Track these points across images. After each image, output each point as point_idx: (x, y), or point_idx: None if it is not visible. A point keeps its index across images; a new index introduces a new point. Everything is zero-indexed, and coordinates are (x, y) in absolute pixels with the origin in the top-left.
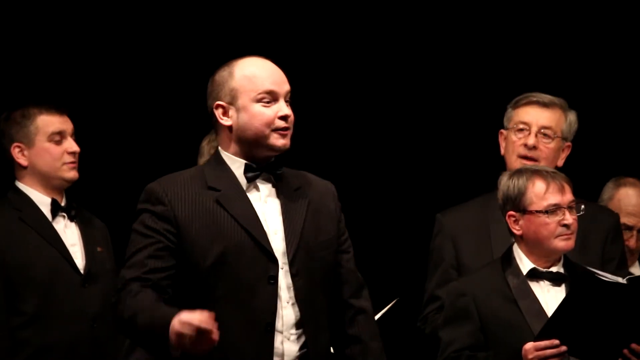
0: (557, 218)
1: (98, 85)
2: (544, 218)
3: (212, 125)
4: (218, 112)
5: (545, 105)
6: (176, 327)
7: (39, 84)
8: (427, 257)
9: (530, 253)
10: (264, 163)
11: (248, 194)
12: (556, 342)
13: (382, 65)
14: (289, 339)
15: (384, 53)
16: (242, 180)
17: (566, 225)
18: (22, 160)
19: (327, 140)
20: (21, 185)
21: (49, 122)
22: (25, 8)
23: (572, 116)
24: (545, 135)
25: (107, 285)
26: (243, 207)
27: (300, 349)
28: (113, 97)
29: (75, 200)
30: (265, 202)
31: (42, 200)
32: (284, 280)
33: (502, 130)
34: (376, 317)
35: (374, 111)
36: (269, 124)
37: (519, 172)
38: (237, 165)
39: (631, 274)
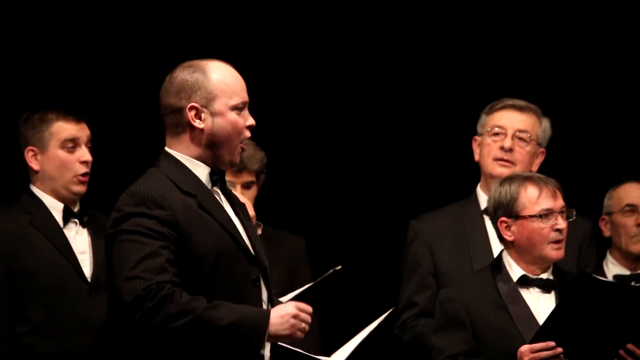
0: (550, 223)
1: (118, 90)
2: (538, 223)
3: (165, 126)
4: (191, 114)
5: (520, 109)
6: (290, 320)
7: (68, 86)
8: (400, 264)
9: (520, 260)
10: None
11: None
12: (552, 344)
13: (357, 71)
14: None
15: (358, 59)
16: (207, 183)
17: (559, 230)
18: (34, 165)
19: (302, 145)
20: (35, 189)
21: (63, 129)
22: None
23: (546, 122)
24: (520, 139)
25: None
26: (220, 211)
27: (271, 348)
28: (132, 102)
29: (91, 202)
30: (225, 205)
31: (55, 206)
32: (261, 280)
33: (475, 137)
34: (372, 328)
35: (348, 116)
36: (240, 133)
37: (510, 178)
38: (200, 170)
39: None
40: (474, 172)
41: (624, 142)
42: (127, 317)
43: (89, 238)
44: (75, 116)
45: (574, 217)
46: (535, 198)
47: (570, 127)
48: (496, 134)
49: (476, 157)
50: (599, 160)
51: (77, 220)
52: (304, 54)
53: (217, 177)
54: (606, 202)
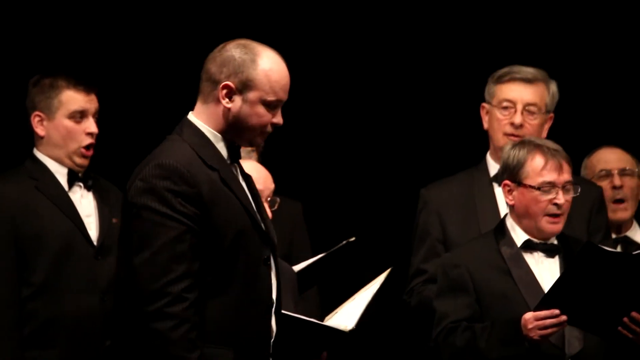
0: (550, 196)
1: (130, 60)
2: (536, 194)
3: (199, 90)
4: (222, 92)
5: (529, 81)
6: None
7: (80, 51)
8: (411, 232)
9: (520, 225)
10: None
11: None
12: (556, 311)
13: (362, 37)
14: (273, 318)
15: (363, 25)
16: (227, 159)
17: (557, 205)
18: (40, 130)
19: (310, 115)
20: (39, 154)
21: (73, 99)
22: None
23: (553, 87)
24: (530, 112)
25: None
26: (240, 188)
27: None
28: (137, 70)
29: (94, 168)
30: (241, 181)
31: (59, 170)
32: (272, 259)
33: (484, 104)
34: (374, 288)
35: (355, 83)
36: (263, 128)
37: (522, 143)
38: (221, 145)
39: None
40: (482, 140)
41: (624, 104)
42: (138, 300)
43: (95, 201)
44: (86, 87)
45: (578, 194)
46: (539, 169)
47: (573, 90)
48: (505, 107)
49: (485, 125)
50: (602, 124)
51: (81, 184)
52: (308, 22)
53: (235, 154)
54: (582, 171)
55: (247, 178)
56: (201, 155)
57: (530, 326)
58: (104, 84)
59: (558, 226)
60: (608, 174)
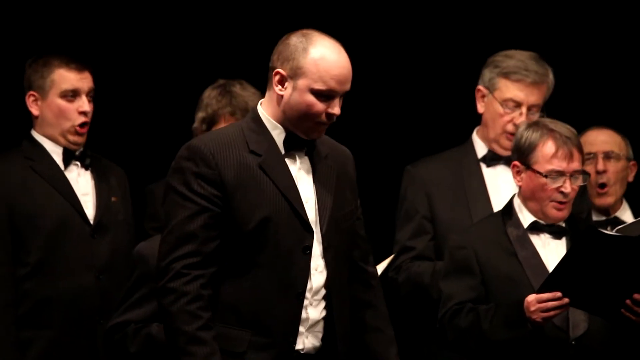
0: (557, 184)
1: (128, 39)
2: (544, 181)
3: (268, 78)
4: (275, 78)
5: (535, 83)
6: None
7: (78, 33)
8: (396, 209)
9: (527, 206)
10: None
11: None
12: (558, 294)
13: (350, 15)
14: (312, 305)
15: (347, 7)
16: (281, 147)
17: (563, 194)
18: (34, 110)
19: None
20: (35, 134)
21: (65, 78)
22: None
23: (552, 78)
24: (532, 112)
25: (118, 236)
26: (284, 175)
27: (323, 314)
28: (135, 49)
29: (96, 147)
30: (299, 171)
31: (55, 150)
32: (317, 249)
33: (481, 88)
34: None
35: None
36: (315, 117)
37: (537, 125)
38: (277, 132)
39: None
40: (469, 118)
41: (598, 85)
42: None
43: (92, 180)
44: (78, 65)
45: (585, 183)
46: (550, 156)
47: (569, 69)
48: (509, 106)
49: (480, 110)
50: (597, 104)
51: (78, 163)
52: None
53: (293, 143)
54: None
55: (328, 168)
56: (248, 140)
57: (532, 308)
58: (117, 64)
59: (563, 213)
60: (593, 157)
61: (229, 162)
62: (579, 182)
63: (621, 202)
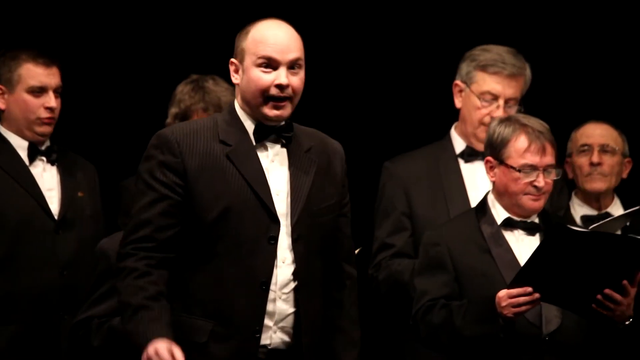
0: (530, 178)
1: (98, 34)
2: (517, 175)
3: None
4: (231, 69)
5: (513, 75)
6: (149, 351)
7: (49, 27)
8: (375, 206)
9: (501, 202)
10: (274, 124)
11: (258, 153)
12: (529, 289)
13: (327, 13)
14: (280, 298)
15: (333, 4)
16: (252, 138)
17: (536, 187)
18: (1, 103)
19: None
20: (2, 129)
21: (32, 74)
22: None
23: (529, 73)
24: (509, 105)
25: (84, 231)
26: (252, 165)
27: (292, 309)
28: (109, 44)
29: (68, 142)
30: (272, 162)
31: (21, 144)
32: (285, 240)
33: (458, 83)
34: None
35: (322, 56)
36: (264, 91)
37: (509, 120)
38: (249, 123)
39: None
40: (447, 113)
41: (599, 81)
42: None
43: (58, 175)
44: (46, 60)
45: (559, 177)
46: (522, 151)
47: (545, 66)
48: (486, 99)
49: (457, 104)
50: (572, 101)
51: (44, 158)
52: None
53: (263, 133)
54: (568, 144)
55: (307, 161)
56: (220, 130)
57: (503, 304)
58: (91, 59)
59: (539, 203)
60: (589, 149)
61: (195, 150)
62: (552, 176)
63: (612, 197)
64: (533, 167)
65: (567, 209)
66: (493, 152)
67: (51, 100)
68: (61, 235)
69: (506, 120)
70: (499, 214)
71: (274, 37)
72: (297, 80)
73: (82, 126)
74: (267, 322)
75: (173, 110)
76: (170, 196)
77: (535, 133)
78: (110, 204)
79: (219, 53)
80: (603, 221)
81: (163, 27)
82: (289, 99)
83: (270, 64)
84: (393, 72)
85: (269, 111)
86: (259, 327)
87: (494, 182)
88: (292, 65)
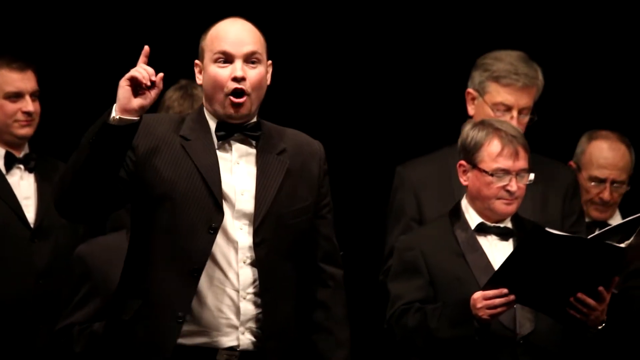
0: (503, 183)
1: (73, 36)
2: (490, 179)
3: None
4: (196, 70)
5: (526, 86)
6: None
7: (23, 31)
8: (387, 211)
9: (474, 207)
10: (240, 122)
11: (219, 152)
12: (504, 291)
13: (338, 17)
14: (245, 299)
15: (338, 6)
16: (215, 136)
17: (509, 192)
18: None
19: (284, 93)
20: None
21: (7, 80)
22: None
23: (541, 79)
24: (522, 114)
25: (60, 240)
26: (207, 158)
27: (257, 310)
28: (91, 48)
29: (49, 148)
30: (238, 164)
31: None
32: (246, 240)
33: (471, 91)
34: None
35: (334, 59)
36: (222, 86)
37: (482, 124)
38: (212, 123)
39: (606, 223)
40: (459, 117)
41: (604, 85)
42: None
43: (35, 183)
44: (20, 64)
45: (531, 182)
46: (495, 155)
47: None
48: (500, 109)
49: (470, 112)
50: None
51: (22, 166)
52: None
53: (224, 132)
54: (578, 149)
55: (278, 163)
56: (184, 126)
57: (479, 305)
58: (79, 64)
59: (511, 207)
60: (602, 183)
61: (154, 133)
62: (525, 180)
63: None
64: (506, 172)
65: (581, 215)
66: (466, 156)
67: (28, 104)
68: (37, 244)
69: (479, 124)
70: (472, 218)
71: (227, 31)
72: (254, 74)
73: (63, 131)
74: (234, 321)
75: None
76: (125, 166)
77: (508, 137)
78: None
79: None
80: (601, 230)
81: (150, 30)
82: (247, 94)
83: (227, 58)
84: (407, 75)
85: (228, 107)
86: (183, 314)
87: (467, 187)
88: (248, 59)
